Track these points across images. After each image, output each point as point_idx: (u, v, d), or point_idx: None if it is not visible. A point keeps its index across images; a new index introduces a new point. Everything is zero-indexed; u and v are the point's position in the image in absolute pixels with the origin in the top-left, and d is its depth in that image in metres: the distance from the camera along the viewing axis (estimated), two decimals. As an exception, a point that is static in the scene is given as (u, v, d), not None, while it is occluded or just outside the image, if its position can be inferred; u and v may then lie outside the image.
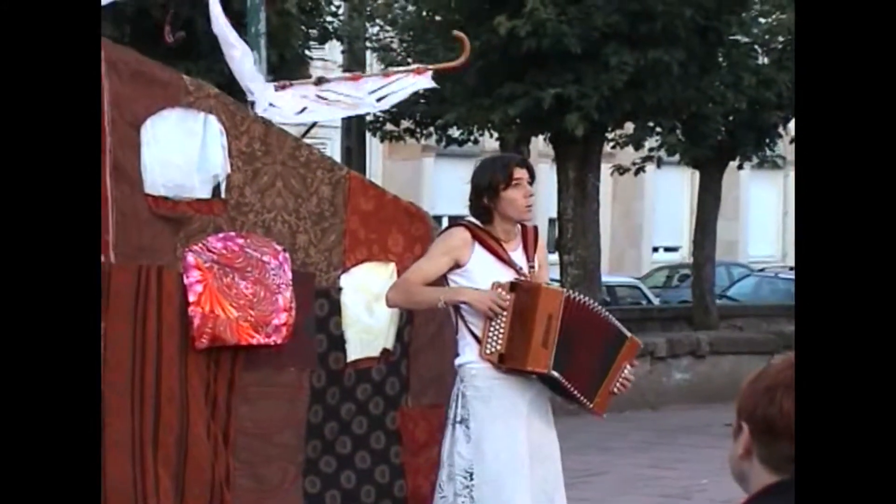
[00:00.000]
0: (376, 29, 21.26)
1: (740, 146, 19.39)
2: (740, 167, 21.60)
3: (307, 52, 17.10)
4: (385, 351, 6.46)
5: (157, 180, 5.95)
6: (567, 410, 6.81)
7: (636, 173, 21.12)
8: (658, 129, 19.01)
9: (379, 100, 6.67)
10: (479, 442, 5.85)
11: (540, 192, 13.12)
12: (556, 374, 5.85)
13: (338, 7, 19.11)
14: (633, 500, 10.41)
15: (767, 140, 19.63)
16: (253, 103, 6.40)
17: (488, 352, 5.87)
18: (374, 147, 26.82)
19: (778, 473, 2.38)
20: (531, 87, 15.37)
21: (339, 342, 6.37)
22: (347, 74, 8.18)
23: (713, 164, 19.63)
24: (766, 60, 18.58)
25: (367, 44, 21.52)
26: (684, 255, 32.87)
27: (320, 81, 6.69)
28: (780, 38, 18.53)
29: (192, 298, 5.92)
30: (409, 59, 19.25)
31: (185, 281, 5.94)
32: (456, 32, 7.40)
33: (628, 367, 6.04)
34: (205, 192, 6.08)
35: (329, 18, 18.28)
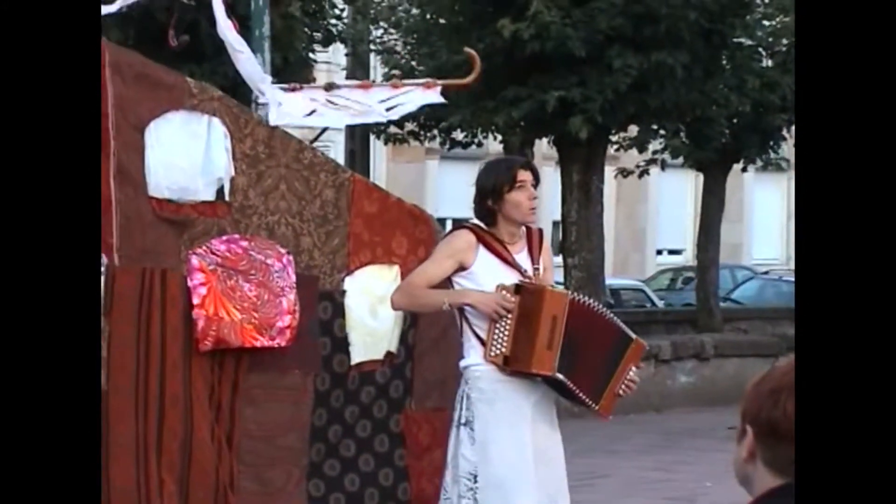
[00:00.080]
0: (380, 32, 21.24)
1: (744, 149, 19.38)
2: (744, 170, 21.59)
3: (311, 55, 17.09)
4: (389, 354, 6.46)
5: (161, 183, 5.96)
6: (571, 413, 6.81)
7: (640, 176, 21.12)
8: (662, 132, 18.99)
9: (388, 109, 6.66)
10: (483, 444, 5.83)
11: (544, 195, 13.09)
12: (560, 376, 5.84)
13: (342, 10, 19.12)
14: (638, 502, 10.40)
15: (771, 143, 19.61)
16: (265, 104, 6.39)
17: (493, 354, 5.86)
18: (378, 150, 26.78)
19: (782, 476, 2.38)
20: (535, 89, 15.36)
21: (342, 345, 6.36)
22: (357, 82, 8.18)
23: (717, 167, 19.61)
24: (769, 63, 18.57)
25: (371, 47, 21.52)
26: (688, 257, 32.82)
27: (330, 87, 6.68)
28: (784, 41, 18.51)
29: (196, 301, 5.92)
30: (413, 62, 19.26)
31: (189, 283, 5.94)
32: (467, 50, 7.36)
33: (633, 369, 6.03)
34: (209, 195, 6.08)
35: (333, 21, 18.29)
